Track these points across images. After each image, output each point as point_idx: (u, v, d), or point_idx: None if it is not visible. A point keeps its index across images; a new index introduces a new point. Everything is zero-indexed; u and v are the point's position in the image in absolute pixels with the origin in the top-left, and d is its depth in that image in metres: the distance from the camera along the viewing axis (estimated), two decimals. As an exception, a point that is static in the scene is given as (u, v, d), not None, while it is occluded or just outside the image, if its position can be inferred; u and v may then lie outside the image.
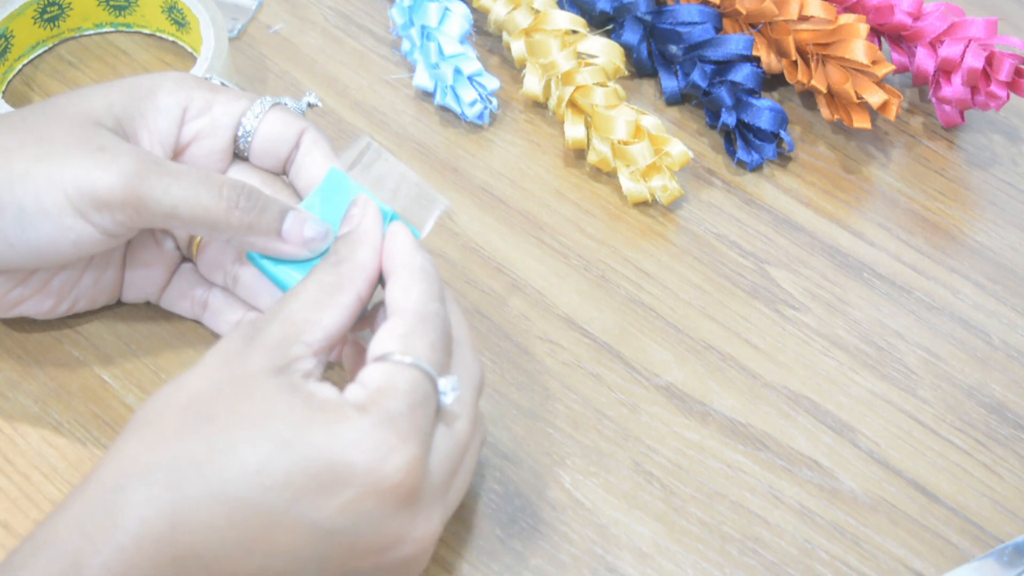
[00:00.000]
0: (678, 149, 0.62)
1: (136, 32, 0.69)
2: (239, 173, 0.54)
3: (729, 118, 0.64)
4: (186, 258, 0.56)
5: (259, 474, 0.42)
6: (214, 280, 0.55)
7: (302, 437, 0.43)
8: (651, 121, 0.63)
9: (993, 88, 0.64)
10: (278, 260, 0.51)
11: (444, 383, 0.46)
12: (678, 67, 0.67)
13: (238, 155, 0.54)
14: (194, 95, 0.52)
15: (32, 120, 0.50)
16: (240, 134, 0.53)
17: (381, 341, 0.46)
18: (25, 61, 0.66)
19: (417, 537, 0.45)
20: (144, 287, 0.56)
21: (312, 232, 0.50)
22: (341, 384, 0.45)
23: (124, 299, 0.56)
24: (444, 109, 0.66)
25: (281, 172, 0.54)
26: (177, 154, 0.53)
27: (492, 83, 0.65)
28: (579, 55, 0.65)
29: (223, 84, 0.56)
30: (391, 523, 0.44)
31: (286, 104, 0.54)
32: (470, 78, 0.65)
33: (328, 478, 0.43)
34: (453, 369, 0.47)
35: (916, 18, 0.66)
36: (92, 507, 0.42)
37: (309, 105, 0.56)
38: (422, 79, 0.66)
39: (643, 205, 0.63)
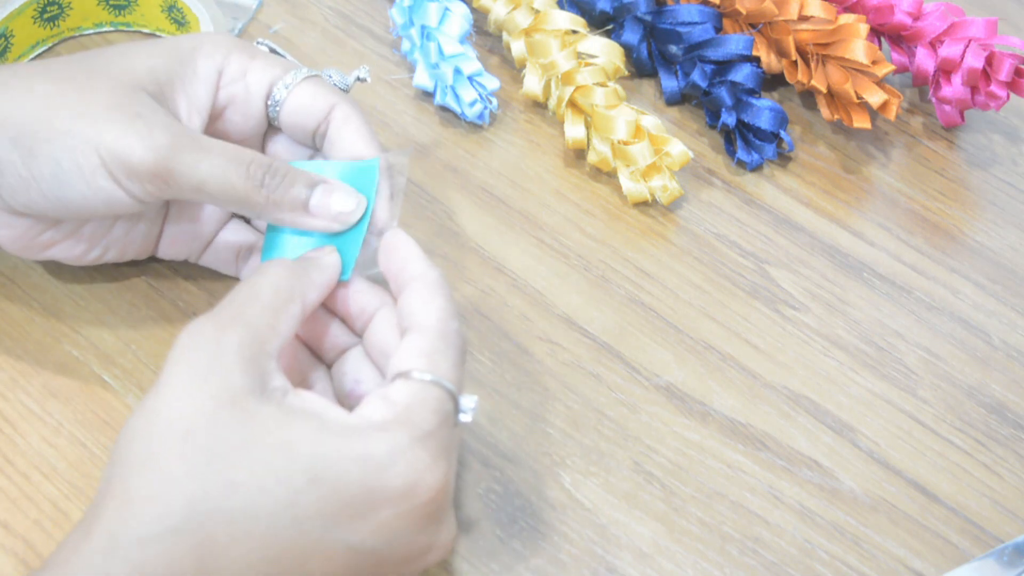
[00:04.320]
0: (678, 149, 0.62)
1: (136, 31, 0.69)
2: (278, 144, 0.55)
3: (729, 118, 0.64)
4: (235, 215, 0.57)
5: (292, 506, 0.42)
6: (261, 228, 0.56)
7: (332, 466, 0.42)
8: (651, 121, 0.63)
9: (993, 88, 0.64)
10: (295, 235, 0.51)
11: (464, 401, 0.46)
12: (678, 67, 0.67)
13: (273, 124, 0.54)
14: (231, 59, 0.53)
15: (77, 71, 0.51)
16: (270, 103, 0.53)
17: (405, 357, 0.46)
18: (25, 61, 0.66)
19: (442, 543, 0.46)
20: (189, 243, 0.56)
21: (341, 205, 0.51)
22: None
23: (162, 255, 0.56)
24: (444, 109, 0.66)
25: (312, 146, 0.54)
26: (214, 119, 0.53)
27: (492, 83, 0.65)
28: (579, 55, 0.65)
29: (273, 50, 0.56)
30: (421, 536, 0.44)
31: (330, 77, 0.55)
32: (470, 78, 0.65)
33: (364, 502, 0.43)
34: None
35: (916, 18, 0.66)
36: (106, 560, 0.41)
37: (358, 79, 0.56)
38: (422, 79, 0.66)
39: (643, 205, 0.63)
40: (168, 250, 0.56)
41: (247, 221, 0.57)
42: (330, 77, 0.55)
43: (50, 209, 0.50)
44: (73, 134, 0.49)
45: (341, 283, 0.50)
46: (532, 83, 0.65)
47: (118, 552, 0.41)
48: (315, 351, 0.51)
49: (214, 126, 0.54)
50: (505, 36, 0.67)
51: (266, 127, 0.55)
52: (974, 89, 0.65)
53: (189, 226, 0.55)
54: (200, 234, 0.56)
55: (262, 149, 0.56)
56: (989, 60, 0.64)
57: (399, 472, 0.43)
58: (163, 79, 0.51)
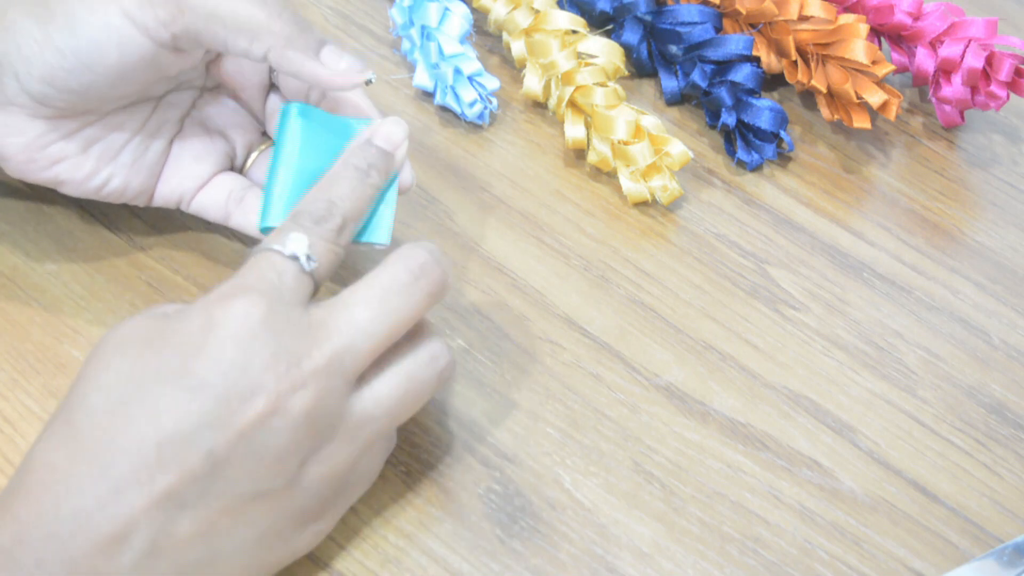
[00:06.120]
0: (678, 149, 0.62)
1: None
2: (276, 102, 0.57)
3: (729, 118, 0.64)
4: (232, 169, 0.58)
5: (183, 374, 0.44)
6: (256, 180, 0.57)
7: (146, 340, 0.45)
8: (651, 121, 0.63)
9: (993, 88, 0.64)
10: (309, 126, 0.52)
11: (290, 245, 0.46)
12: (678, 67, 0.67)
13: (272, 78, 0.56)
14: None
15: None
16: None
17: None
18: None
19: (278, 381, 0.44)
20: (184, 182, 0.56)
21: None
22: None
23: (158, 198, 0.57)
24: (444, 109, 0.67)
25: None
26: (223, 56, 0.55)
27: (492, 83, 0.65)
28: (579, 55, 0.65)
29: None
30: (254, 363, 0.44)
31: None
32: (470, 78, 0.65)
33: (192, 342, 0.44)
34: (394, 257, 0.48)
35: (916, 18, 0.66)
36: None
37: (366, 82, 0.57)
38: (422, 79, 0.66)
39: (643, 205, 0.63)
40: (165, 190, 0.56)
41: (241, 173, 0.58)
42: None
43: (67, 73, 0.50)
44: None
45: (381, 246, 0.52)
46: (532, 83, 0.65)
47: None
48: None
49: (222, 67, 0.56)
50: (505, 36, 0.67)
51: (269, 84, 0.56)
52: (974, 89, 0.65)
53: (189, 165, 0.56)
54: (197, 175, 0.56)
55: (262, 105, 0.58)
56: (989, 60, 0.64)
57: (209, 307, 0.44)
58: None
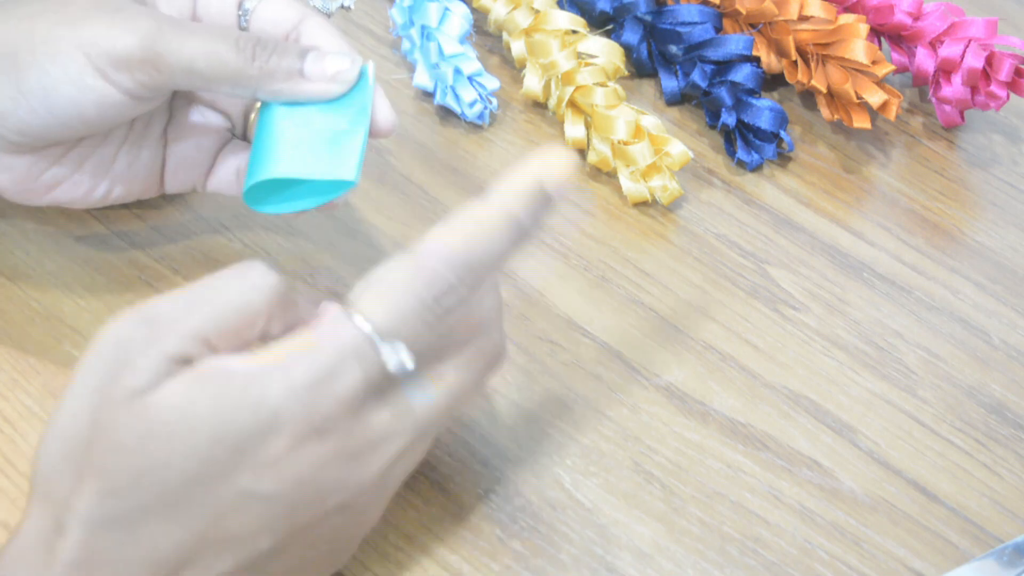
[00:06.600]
0: (678, 149, 0.62)
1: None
2: None
3: (729, 118, 0.64)
4: (235, 137, 0.57)
5: (199, 474, 0.40)
6: None
7: (229, 420, 0.40)
8: (651, 121, 0.63)
9: (993, 88, 0.64)
10: (290, 113, 0.50)
11: (387, 351, 0.41)
12: (678, 67, 0.67)
13: None
14: None
15: None
16: (240, 13, 0.53)
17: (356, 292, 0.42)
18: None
19: (352, 482, 0.43)
20: (193, 169, 0.55)
21: (335, 66, 0.50)
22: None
23: (169, 188, 0.56)
24: (444, 109, 0.67)
25: None
26: None
27: (492, 83, 0.65)
28: (579, 55, 0.65)
29: None
30: (329, 474, 0.42)
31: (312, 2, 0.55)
32: (470, 78, 0.65)
33: (249, 444, 0.40)
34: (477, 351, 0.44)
35: (916, 18, 0.66)
36: None
37: (342, 6, 0.56)
38: (422, 79, 0.66)
39: (643, 205, 0.63)
40: (174, 181, 0.56)
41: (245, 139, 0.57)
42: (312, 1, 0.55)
43: (42, 127, 0.49)
44: (55, 40, 0.48)
45: (352, 190, 0.50)
46: (532, 83, 0.65)
47: None
48: None
49: None
50: (505, 36, 0.67)
51: None
52: (974, 89, 0.65)
53: (191, 150, 0.55)
54: (202, 158, 0.55)
55: None
56: (989, 60, 0.64)
57: (270, 405, 0.40)
58: None
